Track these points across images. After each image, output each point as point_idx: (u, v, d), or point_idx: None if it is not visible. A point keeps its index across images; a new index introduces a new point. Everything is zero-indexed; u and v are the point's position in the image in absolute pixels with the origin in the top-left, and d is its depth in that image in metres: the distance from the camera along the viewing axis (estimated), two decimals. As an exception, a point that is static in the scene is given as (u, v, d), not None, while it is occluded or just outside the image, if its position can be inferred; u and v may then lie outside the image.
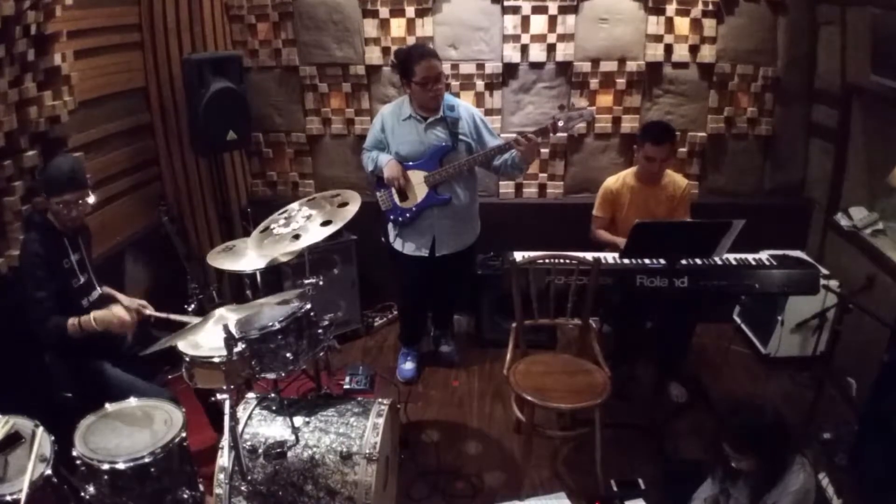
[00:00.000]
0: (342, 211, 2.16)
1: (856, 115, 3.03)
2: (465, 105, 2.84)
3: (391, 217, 2.89)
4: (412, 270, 2.93)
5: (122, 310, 2.13)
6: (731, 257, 2.69)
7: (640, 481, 2.38)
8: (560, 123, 2.63)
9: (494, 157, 2.73)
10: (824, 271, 2.95)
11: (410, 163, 2.77)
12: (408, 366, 3.17)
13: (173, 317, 2.28)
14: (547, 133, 2.64)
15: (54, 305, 2.07)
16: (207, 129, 2.98)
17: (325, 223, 2.11)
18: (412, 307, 3.18)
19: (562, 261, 2.56)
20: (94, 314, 2.09)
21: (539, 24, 3.30)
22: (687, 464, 2.41)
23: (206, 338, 2.11)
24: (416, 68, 2.61)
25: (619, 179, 2.94)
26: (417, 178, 2.77)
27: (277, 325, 1.93)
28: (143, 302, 2.33)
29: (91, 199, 2.17)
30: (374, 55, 3.41)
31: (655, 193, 2.87)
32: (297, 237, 2.10)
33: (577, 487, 2.40)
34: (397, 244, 2.92)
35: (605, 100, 3.41)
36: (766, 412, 1.83)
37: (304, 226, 2.13)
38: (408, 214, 2.83)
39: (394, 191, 2.81)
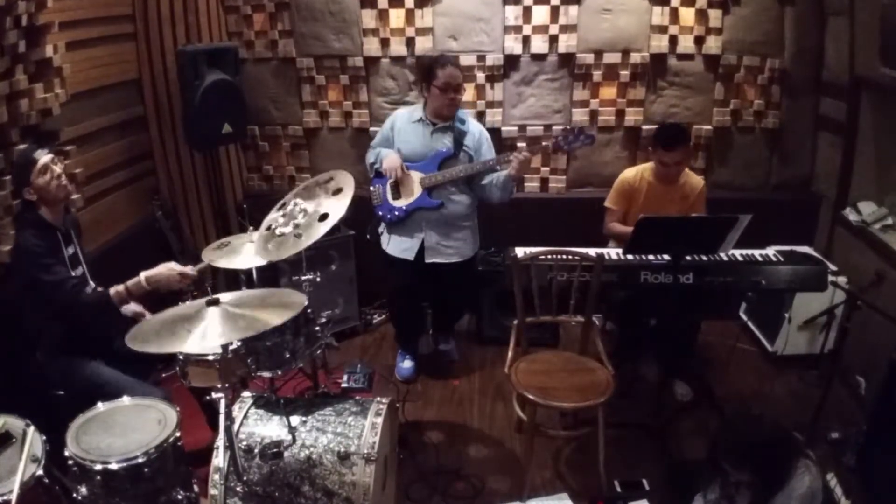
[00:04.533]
0: (338, 199, 2.09)
1: (864, 107, 2.98)
2: (476, 123, 2.89)
3: (380, 213, 2.87)
4: (400, 272, 2.90)
5: (173, 263, 2.12)
6: (737, 253, 2.66)
7: (645, 482, 2.34)
8: (564, 147, 2.72)
9: (483, 176, 2.76)
10: (832, 267, 2.91)
11: (410, 163, 2.77)
12: (406, 364, 3.13)
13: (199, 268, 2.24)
14: (547, 151, 2.67)
15: (79, 280, 2.07)
16: (202, 122, 2.94)
17: (323, 217, 2.06)
18: (402, 309, 3.13)
19: (564, 257, 2.53)
20: (143, 274, 2.09)
21: (541, 14, 3.26)
22: (692, 464, 2.37)
23: (201, 335, 2.07)
24: (440, 73, 2.65)
25: (638, 174, 2.89)
26: (415, 178, 2.77)
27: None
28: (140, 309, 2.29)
29: (61, 166, 2.15)
30: (372, 46, 3.36)
31: (671, 193, 2.84)
32: (299, 236, 2.05)
33: (580, 488, 2.37)
34: (384, 241, 2.91)
35: (609, 92, 3.37)
36: (763, 425, 1.79)
37: (304, 222, 2.08)
38: (397, 213, 2.81)
39: (388, 187, 2.80)
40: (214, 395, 1.79)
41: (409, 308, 3.11)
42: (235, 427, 1.91)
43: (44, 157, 2.08)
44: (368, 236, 2.97)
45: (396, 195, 2.80)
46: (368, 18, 3.31)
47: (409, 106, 2.98)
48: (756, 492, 1.77)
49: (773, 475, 1.74)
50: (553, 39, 3.29)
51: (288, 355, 1.95)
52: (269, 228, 2.15)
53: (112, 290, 2.07)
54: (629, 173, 2.91)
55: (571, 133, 2.70)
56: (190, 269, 2.13)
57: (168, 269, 2.11)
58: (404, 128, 2.81)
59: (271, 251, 2.08)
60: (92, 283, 2.31)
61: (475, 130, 2.82)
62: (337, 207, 2.07)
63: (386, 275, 3.05)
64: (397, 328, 3.23)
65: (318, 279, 2.15)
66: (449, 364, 3.22)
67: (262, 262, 2.39)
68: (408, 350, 3.17)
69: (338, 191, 2.13)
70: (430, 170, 2.75)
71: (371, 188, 2.88)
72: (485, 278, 3.22)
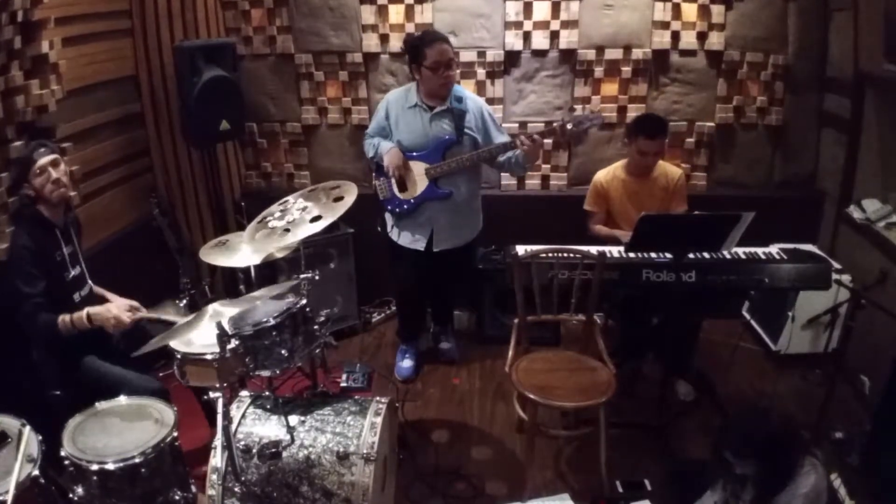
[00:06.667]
0: (336, 206, 2.11)
1: (869, 104, 2.96)
2: (473, 97, 2.81)
3: (388, 207, 2.84)
4: (409, 263, 2.88)
5: (119, 310, 2.09)
6: (740, 251, 2.64)
7: (647, 482, 2.32)
8: (569, 126, 2.61)
9: (498, 155, 2.70)
10: (836, 265, 2.88)
11: (412, 153, 2.72)
12: (406, 363, 3.11)
13: (164, 317, 2.23)
14: (554, 134, 2.65)
15: (44, 302, 2.03)
16: (200, 118, 2.93)
17: (315, 219, 2.06)
18: (409, 300, 3.12)
19: (565, 255, 2.51)
20: (88, 310, 2.06)
21: (542, 10, 3.23)
22: (695, 464, 2.36)
23: (199, 334, 2.06)
24: (428, 52, 2.57)
25: (609, 173, 2.90)
26: (419, 169, 2.72)
27: (272, 321, 1.89)
28: (136, 303, 2.27)
29: (63, 168, 2.13)
30: (371, 43, 3.33)
31: (648, 186, 2.83)
32: (287, 231, 2.05)
33: (582, 488, 2.35)
34: (394, 234, 2.87)
35: (611, 89, 3.35)
36: (770, 418, 1.77)
37: (299, 219, 2.08)
38: (406, 206, 2.77)
39: (393, 181, 2.76)
40: (212, 395, 1.79)
41: (416, 299, 3.10)
42: (233, 427, 1.91)
43: (43, 158, 2.06)
44: (379, 229, 2.94)
45: (403, 188, 2.76)
46: (367, 14, 3.29)
47: (399, 88, 2.88)
48: (760, 487, 1.76)
49: (779, 469, 1.72)
50: (554, 35, 3.26)
51: (286, 354, 1.93)
52: (263, 220, 2.15)
53: (59, 319, 2.04)
54: (601, 174, 2.91)
55: (581, 113, 2.63)
56: (126, 317, 2.09)
57: (110, 313, 2.07)
58: (401, 116, 2.73)
59: (258, 241, 2.10)
60: (90, 283, 2.30)
61: (474, 108, 2.72)
62: (331, 213, 2.07)
63: (392, 268, 3.03)
64: (402, 321, 3.21)
65: (317, 277, 2.13)
66: (449, 363, 3.20)
67: (258, 260, 2.38)
68: (409, 345, 3.16)
69: (338, 199, 2.13)
70: (435, 159, 2.69)
71: (376, 182, 2.84)
72: (485, 276, 3.21)
